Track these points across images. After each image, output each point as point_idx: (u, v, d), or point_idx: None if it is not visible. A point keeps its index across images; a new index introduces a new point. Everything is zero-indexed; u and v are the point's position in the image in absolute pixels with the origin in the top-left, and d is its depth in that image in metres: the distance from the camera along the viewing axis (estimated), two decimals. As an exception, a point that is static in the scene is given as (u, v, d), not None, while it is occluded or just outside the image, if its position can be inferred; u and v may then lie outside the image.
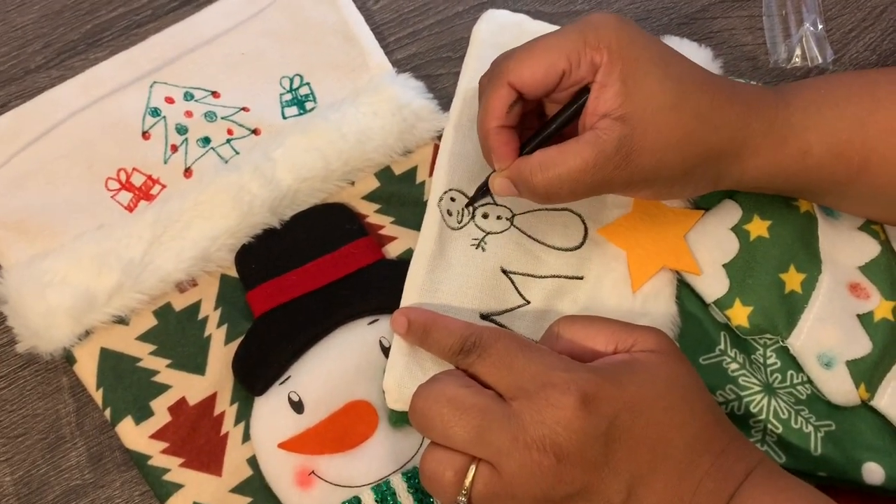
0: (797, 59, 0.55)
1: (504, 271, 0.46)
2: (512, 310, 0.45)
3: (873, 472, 0.44)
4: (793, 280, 0.47)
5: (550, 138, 0.42)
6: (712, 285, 0.47)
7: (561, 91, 0.41)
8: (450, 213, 0.47)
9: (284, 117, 0.51)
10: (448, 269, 0.45)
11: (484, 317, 0.45)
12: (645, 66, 0.39)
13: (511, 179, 0.41)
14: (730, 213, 0.49)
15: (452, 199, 0.47)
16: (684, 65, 0.41)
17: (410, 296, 0.45)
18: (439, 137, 0.50)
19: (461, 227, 0.47)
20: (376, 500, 0.42)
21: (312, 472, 0.42)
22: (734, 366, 0.46)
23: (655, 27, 0.55)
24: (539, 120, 0.44)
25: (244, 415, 0.44)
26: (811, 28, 0.56)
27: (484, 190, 0.45)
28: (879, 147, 0.42)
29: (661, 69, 0.40)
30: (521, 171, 0.41)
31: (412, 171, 0.50)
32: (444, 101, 0.51)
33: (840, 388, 0.45)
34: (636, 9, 0.56)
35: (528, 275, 0.46)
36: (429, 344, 0.41)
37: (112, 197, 0.48)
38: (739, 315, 0.46)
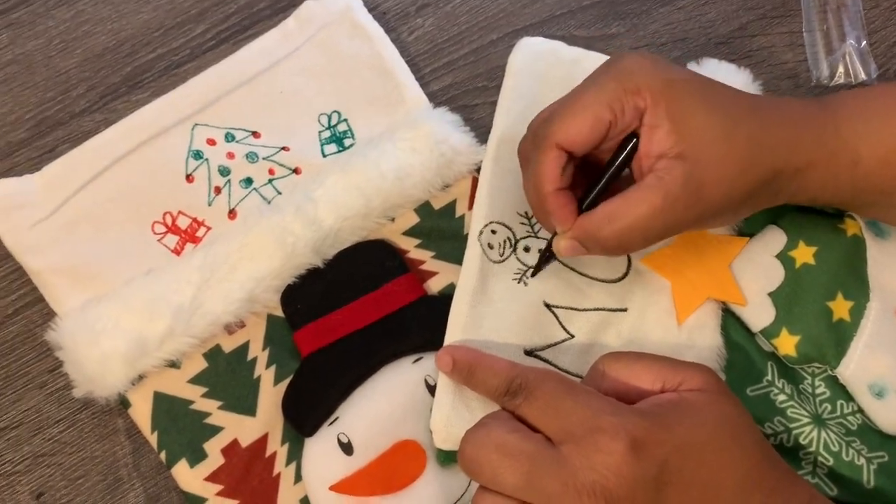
0: (840, 76, 0.56)
1: (547, 305, 0.47)
2: (556, 344, 0.47)
3: (927, 503, 0.45)
4: (840, 308, 0.48)
5: (606, 190, 0.42)
6: (758, 314, 0.47)
7: (608, 141, 0.42)
8: (491, 247, 0.48)
9: (324, 155, 0.53)
10: (490, 304, 0.47)
11: (528, 352, 0.46)
12: (689, 101, 0.40)
13: (578, 239, 0.42)
14: (775, 239, 0.49)
15: (493, 232, 0.48)
16: (728, 93, 0.42)
17: (454, 332, 0.46)
18: (478, 170, 0.52)
19: (503, 261, 0.48)
20: (429, 541, 0.43)
21: (364, 513, 0.44)
22: (782, 397, 0.46)
23: (693, 48, 0.56)
24: (583, 172, 0.44)
25: (295, 455, 0.46)
26: (854, 43, 0.56)
27: (547, 256, 0.46)
28: None
29: (705, 102, 0.41)
30: (587, 229, 0.41)
31: (451, 205, 0.52)
32: (481, 132, 0.52)
33: (893, 417, 0.45)
34: (673, 29, 0.57)
35: (572, 308, 0.47)
36: (474, 384, 0.43)
37: (159, 241, 0.50)
38: (787, 344, 0.47)
